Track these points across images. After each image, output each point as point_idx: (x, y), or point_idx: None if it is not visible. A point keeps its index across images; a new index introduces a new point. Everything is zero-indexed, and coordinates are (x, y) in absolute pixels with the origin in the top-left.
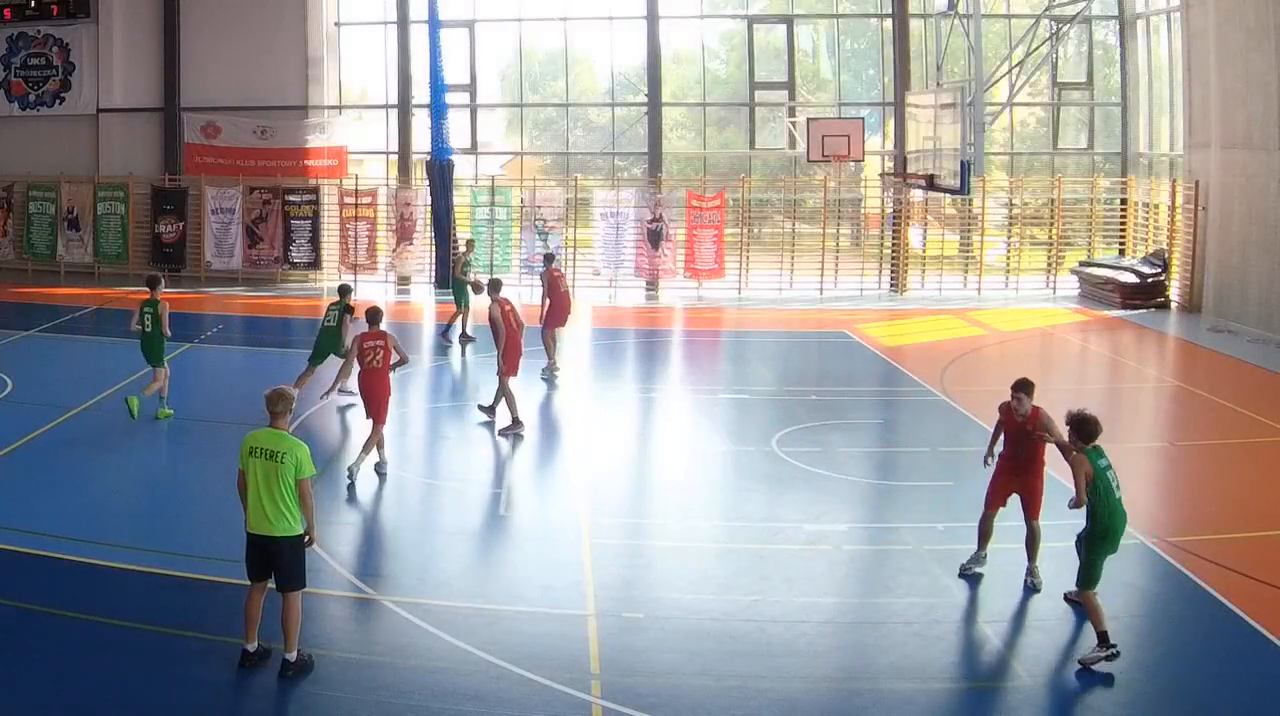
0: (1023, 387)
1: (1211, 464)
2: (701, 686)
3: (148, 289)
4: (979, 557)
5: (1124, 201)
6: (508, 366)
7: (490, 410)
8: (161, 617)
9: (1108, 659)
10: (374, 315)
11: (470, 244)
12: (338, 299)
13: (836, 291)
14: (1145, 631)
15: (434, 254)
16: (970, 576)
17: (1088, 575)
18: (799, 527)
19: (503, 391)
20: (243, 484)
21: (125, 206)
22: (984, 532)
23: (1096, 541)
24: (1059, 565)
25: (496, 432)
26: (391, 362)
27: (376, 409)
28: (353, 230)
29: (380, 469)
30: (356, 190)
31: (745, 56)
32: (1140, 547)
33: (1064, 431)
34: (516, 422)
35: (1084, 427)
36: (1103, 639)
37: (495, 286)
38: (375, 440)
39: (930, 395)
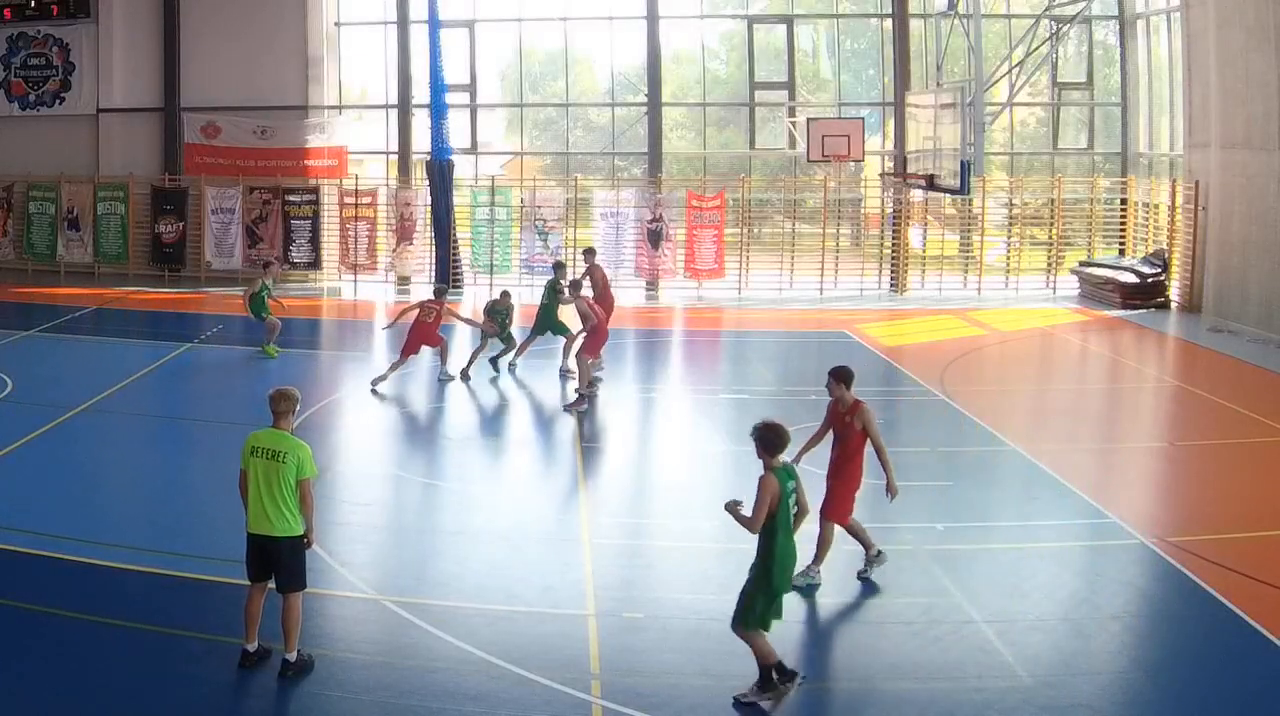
0: (835, 375)
1: (1211, 464)
2: (701, 686)
3: (263, 269)
4: (873, 558)
5: (1124, 201)
6: (590, 349)
7: (581, 399)
8: (161, 617)
9: (775, 697)
10: (440, 291)
11: (506, 295)
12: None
13: (836, 291)
14: (1145, 631)
15: (434, 254)
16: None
17: (744, 610)
18: (799, 528)
19: (582, 368)
20: (244, 483)
21: (125, 206)
22: (825, 539)
23: (763, 577)
24: (1059, 566)
25: (563, 406)
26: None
27: (413, 349)
28: (353, 230)
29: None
30: (356, 190)
31: (745, 56)
32: (1140, 547)
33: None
34: (582, 399)
35: (768, 437)
36: (765, 674)
37: (576, 287)
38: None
39: (930, 395)
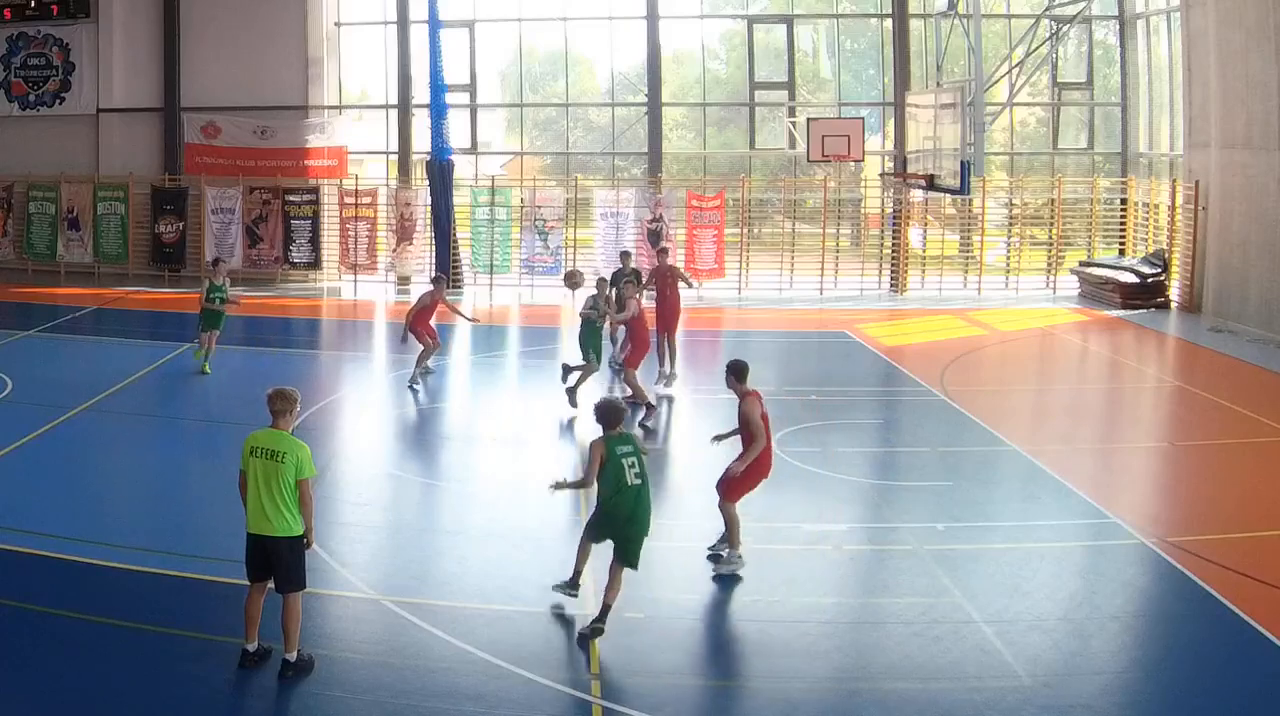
0: (729, 369)
1: (1211, 464)
2: (701, 686)
3: (212, 266)
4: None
5: (1124, 201)
6: (634, 361)
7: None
8: (161, 617)
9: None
10: (438, 280)
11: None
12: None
13: (836, 291)
14: (1145, 631)
15: (434, 254)
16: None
17: (587, 530)
18: (799, 527)
19: (632, 383)
20: (243, 483)
21: (125, 206)
22: (727, 521)
23: (596, 521)
24: (1059, 566)
25: (639, 423)
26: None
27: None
28: (353, 230)
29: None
30: (356, 190)
31: (745, 56)
32: (1140, 547)
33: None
34: (650, 408)
35: (600, 415)
36: (573, 579)
37: (625, 273)
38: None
39: (930, 395)
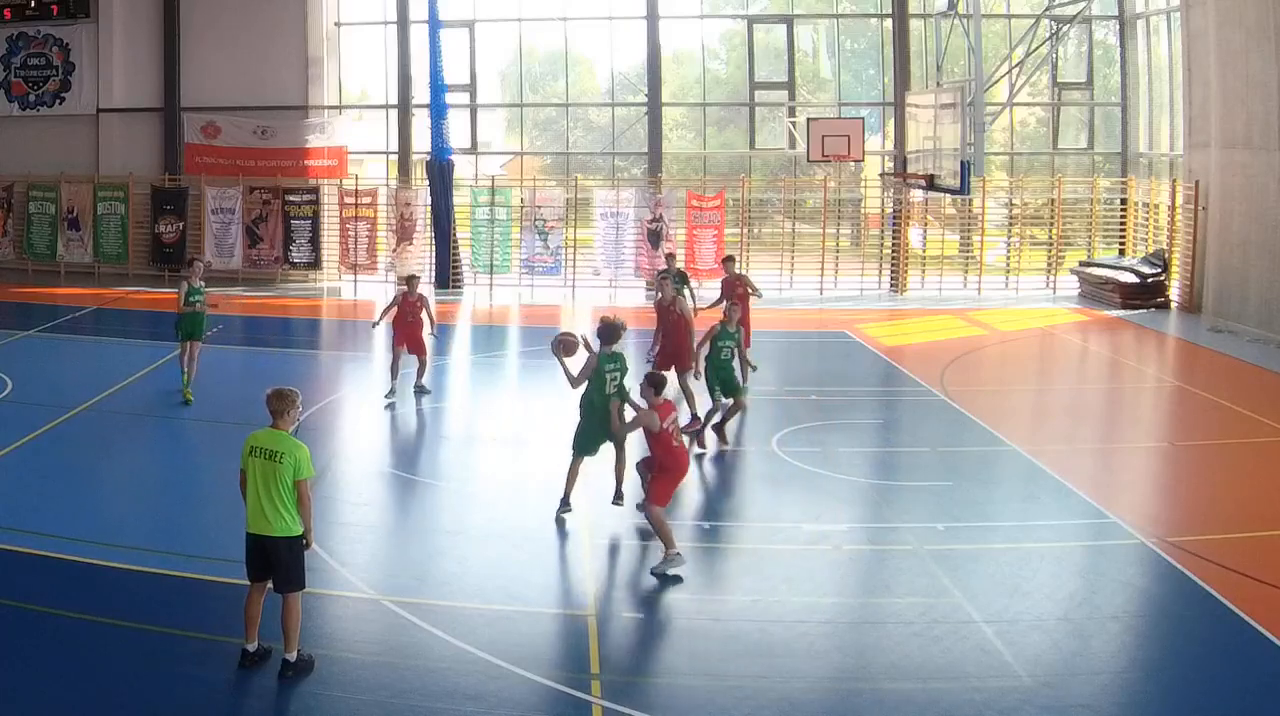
0: (650, 381)
1: (1211, 464)
2: (701, 686)
3: (188, 267)
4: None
5: (1124, 201)
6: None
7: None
8: (161, 617)
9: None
10: (411, 281)
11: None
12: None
13: (837, 291)
14: (1145, 631)
15: (434, 254)
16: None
17: (573, 443)
18: (799, 527)
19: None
20: (244, 482)
21: (125, 206)
22: (653, 524)
23: (582, 430)
24: (1059, 566)
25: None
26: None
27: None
28: (353, 230)
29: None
30: (356, 190)
31: (745, 56)
32: (1140, 547)
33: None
34: (695, 419)
35: (599, 332)
36: (564, 499)
37: (671, 276)
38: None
39: (930, 395)
